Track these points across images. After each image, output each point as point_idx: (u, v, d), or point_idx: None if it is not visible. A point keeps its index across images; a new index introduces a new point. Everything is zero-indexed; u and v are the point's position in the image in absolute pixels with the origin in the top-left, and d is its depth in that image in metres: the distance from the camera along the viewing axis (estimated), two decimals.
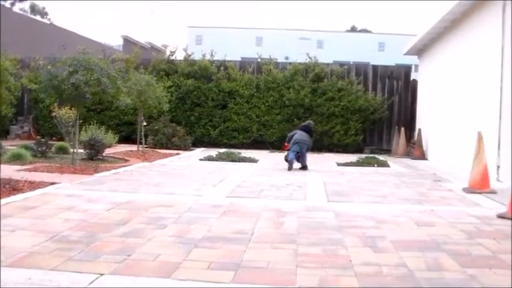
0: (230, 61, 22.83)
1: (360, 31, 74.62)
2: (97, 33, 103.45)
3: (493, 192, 9.50)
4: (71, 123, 17.23)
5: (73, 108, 15.13)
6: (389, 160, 17.16)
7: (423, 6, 64.28)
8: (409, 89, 22.43)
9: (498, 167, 11.47)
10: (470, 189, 9.74)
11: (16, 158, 12.44)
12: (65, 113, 17.32)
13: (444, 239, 5.76)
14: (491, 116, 12.00)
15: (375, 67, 23.00)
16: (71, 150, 13.40)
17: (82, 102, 12.49)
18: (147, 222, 6.16)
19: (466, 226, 6.50)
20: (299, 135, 13.72)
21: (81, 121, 15.00)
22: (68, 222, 6.01)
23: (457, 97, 15.17)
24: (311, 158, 13.19)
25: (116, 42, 43.24)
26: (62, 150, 14.98)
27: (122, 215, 6.54)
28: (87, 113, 20.37)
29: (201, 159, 15.44)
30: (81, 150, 13.74)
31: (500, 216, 7.20)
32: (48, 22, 43.96)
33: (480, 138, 9.78)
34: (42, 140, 14.45)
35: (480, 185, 9.71)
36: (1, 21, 25.21)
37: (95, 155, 13.82)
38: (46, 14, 64.76)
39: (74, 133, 13.06)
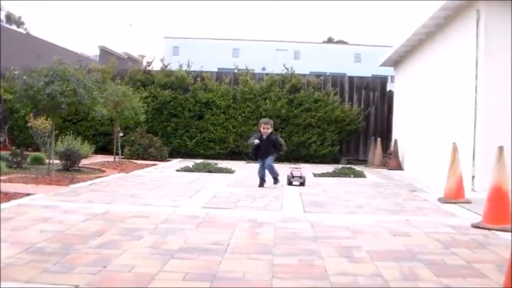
0: (207, 72, 22.83)
1: (337, 42, 75.03)
2: (74, 43, 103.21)
3: (468, 202, 9.58)
4: (46, 133, 17.08)
5: (49, 119, 15.02)
6: (366, 170, 17.24)
7: (399, 18, 64.87)
8: (385, 100, 22.58)
9: (473, 177, 11.58)
10: (445, 200, 9.82)
11: None
12: (41, 124, 17.17)
13: (419, 249, 5.81)
14: (466, 126, 12.13)
15: (351, 78, 23.12)
16: (47, 161, 13.29)
17: (58, 112, 12.42)
18: (123, 234, 6.14)
19: (441, 236, 6.55)
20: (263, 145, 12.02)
21: (57, 132, 14.93)
22: (43, 233, 5.97)
23: (432, 108, 15.31)
24: (287, 169, 13.13)
25: (93, 52, 43.11)
26: (38, 161, 14.87)
27: (98, 226, 6.51)
28: (63, 124, 20.27)
29: (177, 170, 15.42)
30: (57, 161, 13.63)
31: (475, 226, 7.27)
32: (24, 32, 43.71)
33: (455, 148, 9.87)
34: (18, 150, 14.31)
35: (455, 195, 9.79)
36: None
37: (71, 166, 13.73)
38: (22, 23, 64.49)
39: (49, 144, 12.96)
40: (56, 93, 11.49)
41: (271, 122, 12.45)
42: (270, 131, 12.02)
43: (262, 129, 12.01)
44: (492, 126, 11.38)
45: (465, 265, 5.16)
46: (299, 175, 12.32)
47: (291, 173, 12.48)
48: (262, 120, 12.53)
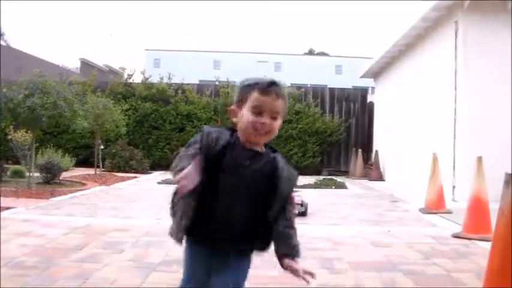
0: (188, 84, 22.89)
1: (318, 54, 75.26)
2: (54, 55, 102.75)
3: (449, 212, 9.66)
4: (27, 146, 17.00)
5: (29, 132, 14.96)
6: (347, 182, 17.30)
7: (380, 30, 65.27)
8: (366, 111, 22.72)
9: (454, 187, 11.68)
10: (426, 210, 9.88)
11: None
12: (21, 136, 17.08)
13: (400, 259, 5.84)
14: (446, 137, 12.23)
15: (332, 90, 23.27)
16: (27, 174, 13.22)
17: (38, 125, 12.37)
18: (104, 247, 6.11)
19: (422, 246, 6.59)
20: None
21: (37, 144, 14.84)
22: (23, 247, 5.93)
23: (412, 119, 15.43)
24: None
25: (74, 64, 42.94)
26: (18, 174, 14.75)
27: (79, 240, 6.48)
28: (44, 136, 20.14)
29: (159, 183, 15.38)
30: (38, 174, 13.54)
31: (456, 236, 7.32)
32: (5, 44, 43.47)
33: (435, 159, 9.95)
34: None
35: (436, 206, 9.87)
36: None
37: (51, 179, 13.65)
38: (2, 35, 64.11)
39: (30, 157, 12.91)
40: (36, 106, 11.45)
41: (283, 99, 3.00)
42: (272, 134, 2.84)
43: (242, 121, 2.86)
44: (472, 136, 11.49)
45: (445, 275, 5.20)
46: (299, 202, 9.11)
47: None
48: (249, 82, 2.86)
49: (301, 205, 9.06)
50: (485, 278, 3.87)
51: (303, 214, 8.99)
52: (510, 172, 3.69)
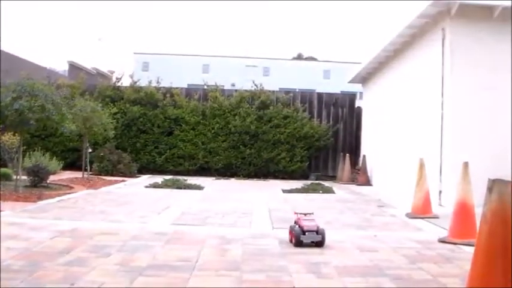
0: (176, 88, 22.88)
1: (306, 59, 75.35)
2: (42, 58, 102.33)
3: (435, 217, 9.73)
4: (14, 149, 16.94)
5: (16, 134, 14.92)
6: (335, 186, 17.35)
7: (368, 35, 65.49)
8: (354, 116, 22.78)
9: (440, 192, 11.75)
10: (413, 215, 9.94)
11: None
12: (8, 139, 17.03)
13: (386, 264, 5.88)
14: (433, 142, 12.31)
15: (320, 94, 23.31)
16: (14, 177, 13.18)
17: (26, 128, 12.34)
18: (91, 251, 6.12)
19: (408, 251, 6.64)
20: None
21: (24, 147, 14.79)
22: (10, 251, 5.92)
23: (400, 124, 15.51)
24: (256, 184, 13.13)
25: (62, 67, 42.74)
26: (5, 177, 14.68)
27: (66, 244, 6.48)
28: (31, 139, 20.05)
29: (146, 187, 15.37)
30: (25, 177, 13.49)
31: (442, 241, 7.39)
32: None
33: (422, 164, 10.01)
34: None
35: (422, 210, 9.93)
36: None
37: (39, 182, 13.62)
38: None
39: (17, 159, 12.87)
40: (23, 108, 11.42)
41: None
42: None
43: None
44: (458, 142, 11.57)
45: (431, 279, 5.24)
46: (314, 229, 6.91)
47: (300, 224, 7.04)
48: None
49: (317, 232, 6.87)
50: (468, 282, 3.91)
51: (319, 244, 6.84)
52: (493, 178, 3.73)
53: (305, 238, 6.80)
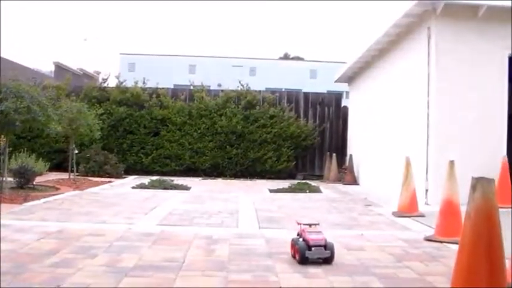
0: (162, 88, 22.78)
1: (293, 58, 75.51)
2: (28, 58, 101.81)
3: (422, 215, 9.77)
4: (0, 151, 16.87)
5: (2, 136, 14.84)
6: (322, 186, 17.38)
7: (354, 34, 65.65)
8: (340, 116, 22.80)
9: (426, 190, 11.79)
10: (399, 213, 9.98)
11: None
12: None
13: (373, 262, 5.91)
14: (419, 141, 12.35)
15: (306, 94, 23.30)
16: (0, 178, 13.12)
17: (11, 129, 12.27)
18: (77, 252, 6.11)
19: (394, 250, 6.68)
20: None
21: (10, 149, 14.70)
22: None
23: (386, 123, 15.55)
24: (243, 185, 13.12)
25: (48, 68, 42.54)
26: None
27: (52, 245, 6.46)
28: (17, 141, 19.92)
29: (133, 187, 15.33)
30: (11, 179, 13.43)
31: (428, 239, 7.44)
32: None
33: (408, 163, 10.06)
34: None
35: (409, 209, 9.97)
36: None
37: (25, 184, 13.56)
38: None
39: (3, 161, 12.80)
40: (9, 110, 11.37)
41: None
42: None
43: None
44: (444, 140, 11.63)
45: (417, 278, 5.28)
46: (322, 243, 5.92)
47: (305, 237, 6.03)
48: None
49: (325, 247, 5.92)
50: (453, 280, 3.94)
51: (327, 261, 5.91)
52: (477, 176, 3.77)
53: (311, 254, 5.82)
